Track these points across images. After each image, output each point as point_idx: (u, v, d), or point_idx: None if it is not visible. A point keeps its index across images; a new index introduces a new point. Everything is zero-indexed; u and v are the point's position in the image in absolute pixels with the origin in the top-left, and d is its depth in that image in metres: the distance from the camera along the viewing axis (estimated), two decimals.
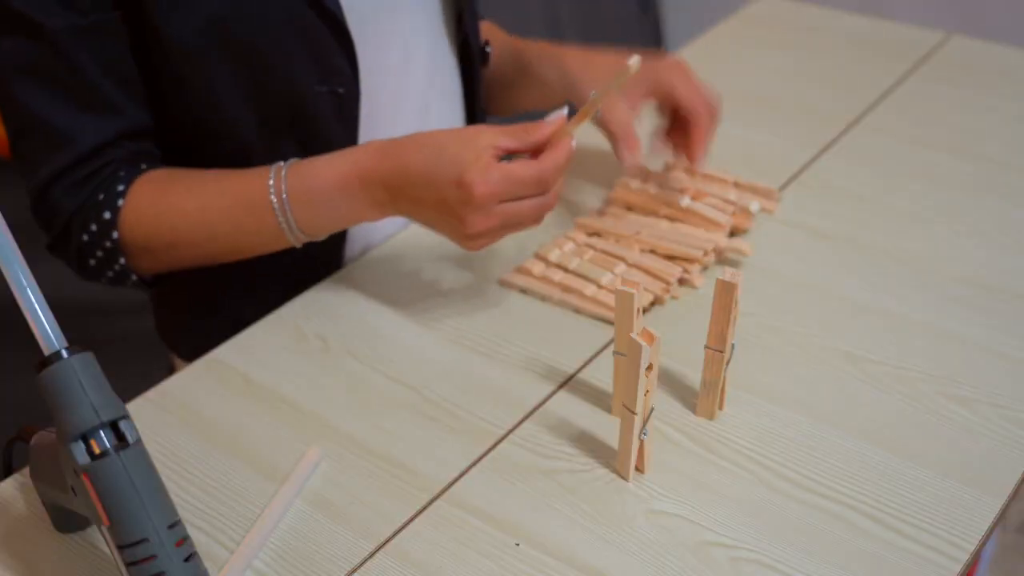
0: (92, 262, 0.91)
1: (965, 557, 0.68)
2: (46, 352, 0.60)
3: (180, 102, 0.91)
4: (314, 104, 0.92)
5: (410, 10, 0.96)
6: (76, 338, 0.61)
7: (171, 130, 0.93)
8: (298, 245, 0.88)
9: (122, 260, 0.90)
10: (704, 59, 1.32)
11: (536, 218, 0.82)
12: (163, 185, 0.89)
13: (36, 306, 0.61)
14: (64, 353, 0.60)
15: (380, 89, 0.96)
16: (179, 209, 0.88)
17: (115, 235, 0.89)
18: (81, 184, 0.88)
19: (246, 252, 0.90)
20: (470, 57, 1.04)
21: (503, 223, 0.81)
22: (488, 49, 1.09)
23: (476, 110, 1.07)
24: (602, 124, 0.94)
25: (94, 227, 0.89)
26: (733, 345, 0.77)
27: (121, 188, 0.89)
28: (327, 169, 0.84)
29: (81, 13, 0.83)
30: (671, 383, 0.82)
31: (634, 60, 0.79)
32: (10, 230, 0.61)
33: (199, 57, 0.87)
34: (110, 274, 0.92)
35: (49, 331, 0.61)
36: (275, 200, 0.85)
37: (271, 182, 0.85)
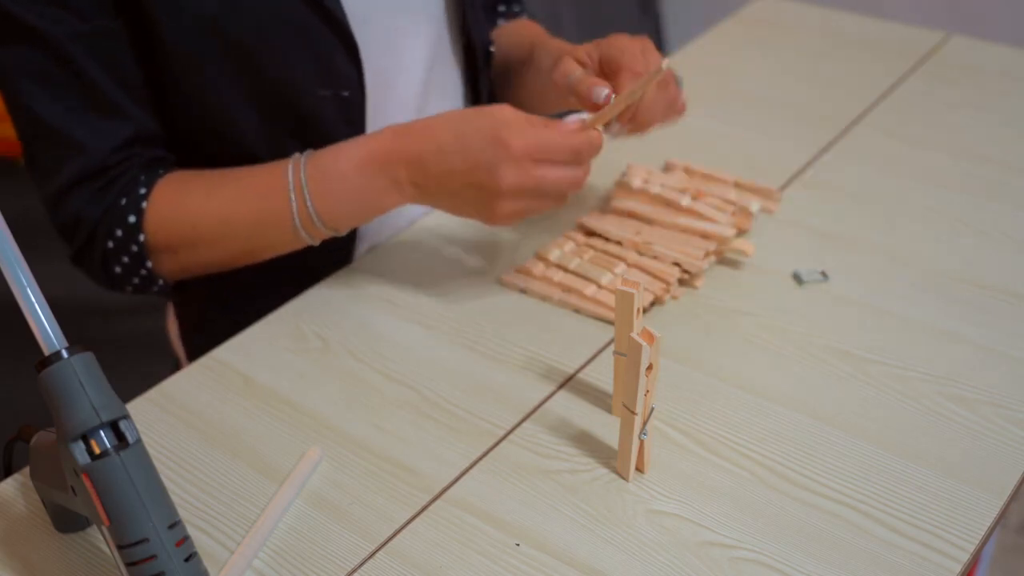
0: (118, 269, 0.91)
1: (965, 557, 0.68)
2: (46, 352, 0.60)
3: (184, 107, 0.91)
4: (318, 108, 0.91)
5: (412, 10, 0.96)
6: (76, 338, 0.61)
7: (177, 135, 0.93)
8: (315, 242, 0.88)
9: (148, 264, 0.90)
10: (704, 59, 1.32)
11: (563, 192, 0.82)
12: (184, 185, 0.90)
13: (36, 306, 0.61)
14: (64, 353, 0.60)
15: (381, 90, 0.96)
16: (200, 208, 0.88)
17: (141, 238, 0.89)
18: (101, 192, 0.88)
19: (266, 249, 0.90)
20: (474, 58, 1.04)
21: (536, 185, 0.81)
22: (492, 49, 1.09)
23: None
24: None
25: (120, 232, 0.89)
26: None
27: (143, 191, 0.89)
28: (343, 157, 0.85)
29: (83, 19, 0.84)
30: (671, 383, 0.82)
31: (664, 62, 0.80)
32: (10, 230, 0.61)
33: (199, 61, 0.87)
34: (136, 280, 0.92)
35: (49, 331, 0.61)
36: (293, 191, 0.85)
37: (290, 174, 0.86)
